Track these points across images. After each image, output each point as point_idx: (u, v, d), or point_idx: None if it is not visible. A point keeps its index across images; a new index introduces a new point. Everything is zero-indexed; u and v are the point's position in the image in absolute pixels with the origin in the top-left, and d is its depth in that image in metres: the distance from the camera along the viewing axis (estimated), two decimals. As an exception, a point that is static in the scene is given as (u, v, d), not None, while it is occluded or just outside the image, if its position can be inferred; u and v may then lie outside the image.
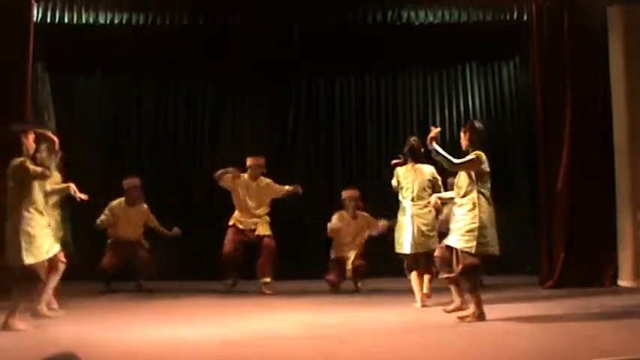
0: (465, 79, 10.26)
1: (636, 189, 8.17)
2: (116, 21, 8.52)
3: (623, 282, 8.13)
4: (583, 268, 8.12)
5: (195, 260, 9.02)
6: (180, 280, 8.80)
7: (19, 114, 7.71)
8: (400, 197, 7.17)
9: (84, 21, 8.41)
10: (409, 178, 7.13)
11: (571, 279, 8.05)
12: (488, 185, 6.25)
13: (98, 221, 8.46)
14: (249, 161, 8.40)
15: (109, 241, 8.55)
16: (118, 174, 9.00)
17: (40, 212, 6.02)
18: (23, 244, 5.83)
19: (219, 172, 8.27)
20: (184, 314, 6.76)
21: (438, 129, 6.47)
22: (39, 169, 5.95)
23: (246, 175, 8.39)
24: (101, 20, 8.48)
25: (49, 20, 8.24)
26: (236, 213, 8.38)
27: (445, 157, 6.18)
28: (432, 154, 6.24)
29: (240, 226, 8.30)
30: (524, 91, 9.71)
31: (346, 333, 5.76)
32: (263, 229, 8.32)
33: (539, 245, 8.38)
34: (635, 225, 8.01)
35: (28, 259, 5.85)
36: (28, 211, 5.92)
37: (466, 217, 6.11)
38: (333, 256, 8.34)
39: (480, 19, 8.77)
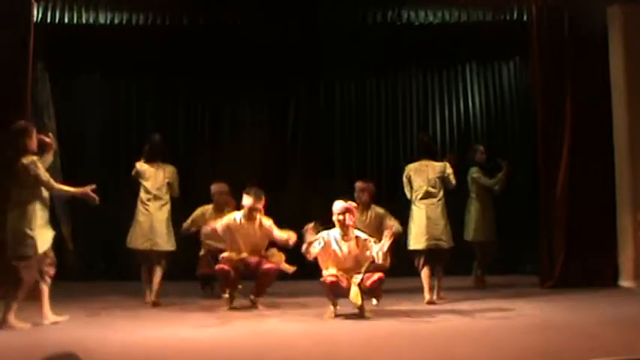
0: (465, 79, 10.26)
1: (636, 189, 8.16)
2: (116, 21, 8.52)
3: (623, 282, 8.12)
4: (583, 268, 8.10)
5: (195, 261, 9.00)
6: (179, 280, 8.78)
7: (19, 114, 7.70)
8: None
9: (84, 21, 8.41)
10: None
11: (571, 279, 8.04)
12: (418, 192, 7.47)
13: (185, 225, 8.03)
14: (245, 200, 7.10)
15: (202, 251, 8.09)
16: (117, 174, 8.99)
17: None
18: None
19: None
20: (184, 314, 6.76)
21: None
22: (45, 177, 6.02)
23: (242, 218, 7.16)
24: (101, 20, 8.47)
25: (49, 20, 8.24)
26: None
27: None
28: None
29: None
30: (524, 91, 9.70)
31: (346, 333, 5.77)
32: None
33: (539, 245, 8.36)
34: (635, 225, 8.00)
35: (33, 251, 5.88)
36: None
37: None
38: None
39: (479, 19, 8.77)
